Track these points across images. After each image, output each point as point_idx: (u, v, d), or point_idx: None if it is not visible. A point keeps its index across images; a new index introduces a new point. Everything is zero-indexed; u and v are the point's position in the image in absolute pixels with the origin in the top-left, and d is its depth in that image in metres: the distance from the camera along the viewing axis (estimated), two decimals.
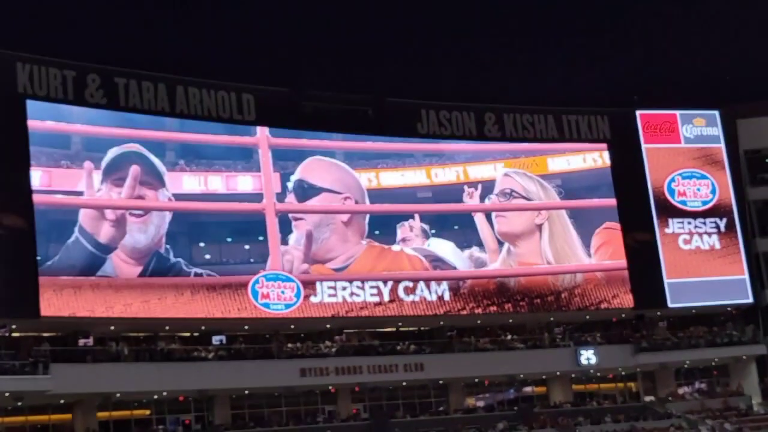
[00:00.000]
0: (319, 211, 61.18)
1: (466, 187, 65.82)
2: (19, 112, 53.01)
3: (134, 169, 56.03)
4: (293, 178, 60.82)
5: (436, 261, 63.87)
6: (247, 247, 60.29)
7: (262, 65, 65.96)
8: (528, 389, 67.86)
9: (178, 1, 70.00)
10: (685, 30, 75.13)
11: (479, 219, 65.61)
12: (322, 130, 62.68)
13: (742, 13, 73.96)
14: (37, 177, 53.37)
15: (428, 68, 71.53)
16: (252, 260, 59.81)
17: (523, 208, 66.87)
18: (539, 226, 66.41)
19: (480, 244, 65.11)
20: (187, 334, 58.87)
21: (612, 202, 68.42)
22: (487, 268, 64.85)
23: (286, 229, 60.02)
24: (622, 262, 67.61)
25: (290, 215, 60.22)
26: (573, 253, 66.86)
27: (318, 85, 62.60)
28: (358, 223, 62.21)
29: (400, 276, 62.21)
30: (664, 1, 75.09)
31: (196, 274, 57.06)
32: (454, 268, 64.28)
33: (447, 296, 62.99)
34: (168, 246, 56.58)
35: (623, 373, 69.16)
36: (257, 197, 59.76)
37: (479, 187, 66.03)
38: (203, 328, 57.99)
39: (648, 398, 68.51)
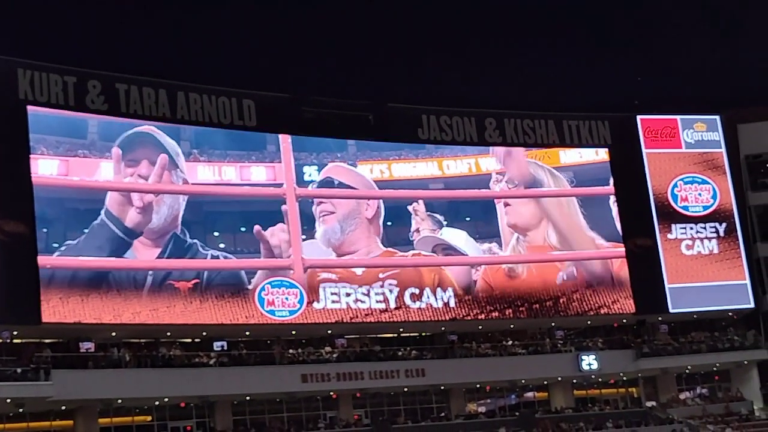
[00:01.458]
0: (340, 196, 62.04)
1: (494, 174, 66.55)
2: (21, 119, 53.04)
3: (162, 158, 56.79)
4: (318, 178, 61.57)
5: (448, 249, 64.25)
6: None
7: (263, 71, 65.94)
8: (529, 395, 67.87)
9: (178, 7, 69.97)
10: (685, 34, 75.16)
11: (500, 209, 66.27)
12: (323, 135, 62.76)
13: (743, 18, 74.04)
14: (54, 166, 54.01)
15: (429, 74, 71.55)
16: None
17: (530, 196, 67.30)
18: (546, 212, 66.73)
19: (496, 235, 65.39)
20: (189, 340, 58.78)
21: (609, 189, 68.91)
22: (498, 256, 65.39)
23: (308, 221, 60.80)
24: (621, 250, 67.97)
25: (318, 210, 60.80)
26: (579, 236, 67.22)
27: (319, 90, 62.65)
28: (377, 223, 62.60)
29: (402, 262, 62.61)
30: (664, 5, 75.10)
31: (213, 257, 57.59)
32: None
33: (453, 303, 63.05)
34: (184, 228, 57.05)
35: (625, 378, 69.08)
36: (272, 187, 60.37)
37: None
38: (204, 334, 57.90)
39: (649, 404, 68.41)
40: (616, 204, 68.65)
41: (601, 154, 69.70)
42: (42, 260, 52.14)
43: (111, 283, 54.38)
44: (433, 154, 66.16)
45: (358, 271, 61.48)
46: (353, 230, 61.62)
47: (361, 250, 61.80)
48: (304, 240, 60.35)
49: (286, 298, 58.69)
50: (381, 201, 63.07)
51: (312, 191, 61.32)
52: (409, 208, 64.13)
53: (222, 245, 58.82)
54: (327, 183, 61.84)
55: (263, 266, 59.24)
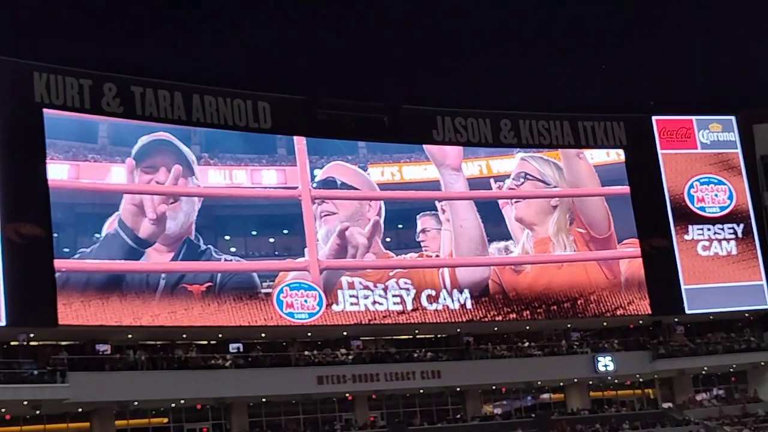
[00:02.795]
0: (351, 197, 62.16)
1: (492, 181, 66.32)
2: (37, 122, 53.18)
3: (176, 168, 56.83)
4: (318, 178, 61.34)
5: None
6: (272, 240, 60.63)
7: (278, 73, 65.82)
8: (545, 396, 67.82)
9: (193, 9, 69.96)
10: (700, 35, 74.81)
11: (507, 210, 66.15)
12: (337, 137, 62.83)
13: (758, 18, 73.66)
14: (64, 171, 54.02)
15: (443, 75, 71.26)
16: (276, 253, 60.39)
17: (538, 196, 67.21)
18: (555, 208, 66.66)
19: (507, 236, 65.30)
20: (204, 343, 58.90)
21: (625, 189, 68.66)
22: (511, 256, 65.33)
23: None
24: (638, 253, 67.85)
25: (319, 210, 60.56)
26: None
27: (333, 92, 62.50)
28: (380, 228, 62.47)
29: (417, 263, 62.70)
30: (679, 6, 74.79)
31: (226, 261, 57.73)
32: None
33: (469, 304, 62.96)
34: (198, 234, 57.11)
35: (641, 379, 69.06)
36: (286, 189, 60.68)
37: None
38: (220, 336, 58.08)
39: (666, 405, 68.32)
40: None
41: (612, 156, 69.71)
42: (56, 263, 52.34)
43: (124, 287, 54.44)
44: None
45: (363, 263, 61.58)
46: (354, 234, 61.43)
47: (363, 253, 61.62)
48: None
49: (305, 301, 58.74)
50: (382, 203, 62.89)
51: (326, 192, 61.33)
52: (438, 204, 64.37)
53: (233, 249, 58.92)
54: (329, 183, 61.60)
55: (277, 268, 59.32)
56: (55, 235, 52.91)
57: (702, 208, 69.65)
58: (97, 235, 54.41)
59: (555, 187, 67.42)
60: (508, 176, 66.87)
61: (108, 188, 55.67)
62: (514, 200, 66.27)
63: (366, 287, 60.84)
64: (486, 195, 66.12)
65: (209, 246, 57.32)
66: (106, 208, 55.07)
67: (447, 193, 64.91)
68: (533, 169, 67.19)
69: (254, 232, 60.72)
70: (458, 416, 63.70)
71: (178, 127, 58.05)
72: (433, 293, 62.32)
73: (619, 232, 67.61)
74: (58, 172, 53.74)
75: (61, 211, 53.29)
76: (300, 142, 61.23)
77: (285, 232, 60.88)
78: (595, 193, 68.19)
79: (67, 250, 53.32)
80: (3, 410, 50.19)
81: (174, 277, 56.01)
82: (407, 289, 61.79)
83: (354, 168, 63.13)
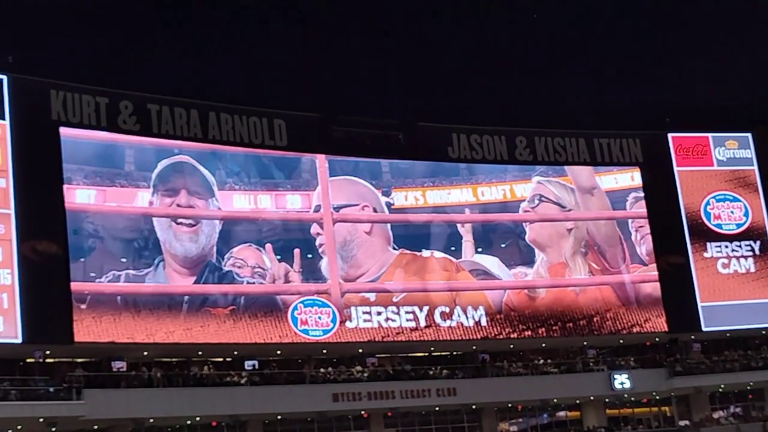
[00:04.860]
0: (366, 220, 62.03)
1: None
2: (53, 140, 53.38)
3: (183, 194, 57.02)
4: (313, 204, 61.19)
5: (483, 273, 64.27)
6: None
7: (294, 91, 66.11)
8: (561, 414, 67.54)
9: (208, 28, 70.37)
10: (716, 52, 74.84)
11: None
12: (353, 155, 62.86)
13: None
14: (92, 196, 54.18)
15: (459, 92, 71.41)
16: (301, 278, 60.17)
17: (557, 219, 67.11)
18: (569, 231, 66.53)
19: (530, 261, 65.39)
20: (220, 360, 58.90)
21: (641, 213, 68.60)
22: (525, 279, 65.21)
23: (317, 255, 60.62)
24: (654, 274, 67.71)
25: (317, 244, 60.42)
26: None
27: (349, 110, 62.72)
28: (382, 231, 62.45)
29: (433, 287, 62.63)
30: (695, 23, 74.88)
31: (249, 283, 57.79)
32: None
33: (484, 321, 62.86)
34: (219, 256, 57.21)
35: (657, 397, 68.68)
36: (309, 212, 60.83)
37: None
38: (236, 353, 58.04)
39: (683, 423, 67.92)
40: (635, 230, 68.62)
41: (627, 180, 69.51)
42: (77, 286, 52.48)
43: (142, 306, 54.60)
44: (468, 180, 65.94)
45: (372, 296, 61.28)
46: (355, 254, 61.37)
47: (371, 269, 61.58)
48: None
49: (319, 318, 58.76)
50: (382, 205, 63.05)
51: (348, 215, 61.41)
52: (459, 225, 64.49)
53: (257, 273, 58.76)
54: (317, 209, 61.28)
55: (299, 291, 59.21)
56: (82, 260, 53.18)
57: (719, 225, 69.53)
58: (123, 259, 54.59)
59: (570, 210, 67.22)
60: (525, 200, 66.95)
61: (130, 211, 55.78)
62: (527, 222, 66.25)
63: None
64: (503, 218, 66.17)
65: (231, 268, 57.45)
66: (134, 232, 55.35)
67: (464, 216, 65.00)
68: (549, 191, 67.11)
69: (278, 257, 60.44)
70: None
71: (201, 150, 58.26)
72: (447, 310, 62.22)
73: (632, 258, 67.78)
74: (84, 197, 53.90)
75: (88, 236, 53.50)
76: (322, 165, 61.21)
77: (309, 256, 60.51)
78: (610, 216, 68.08)
79: (93, 274, 53.42)
80: (19, 427, 50.12)
81: (197, 299, 56.09)
82: (420, 306, 61.73)
83: (347, 178, 62.71)
